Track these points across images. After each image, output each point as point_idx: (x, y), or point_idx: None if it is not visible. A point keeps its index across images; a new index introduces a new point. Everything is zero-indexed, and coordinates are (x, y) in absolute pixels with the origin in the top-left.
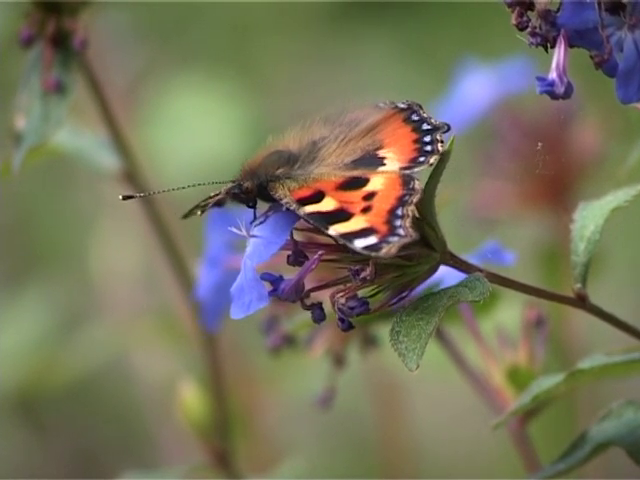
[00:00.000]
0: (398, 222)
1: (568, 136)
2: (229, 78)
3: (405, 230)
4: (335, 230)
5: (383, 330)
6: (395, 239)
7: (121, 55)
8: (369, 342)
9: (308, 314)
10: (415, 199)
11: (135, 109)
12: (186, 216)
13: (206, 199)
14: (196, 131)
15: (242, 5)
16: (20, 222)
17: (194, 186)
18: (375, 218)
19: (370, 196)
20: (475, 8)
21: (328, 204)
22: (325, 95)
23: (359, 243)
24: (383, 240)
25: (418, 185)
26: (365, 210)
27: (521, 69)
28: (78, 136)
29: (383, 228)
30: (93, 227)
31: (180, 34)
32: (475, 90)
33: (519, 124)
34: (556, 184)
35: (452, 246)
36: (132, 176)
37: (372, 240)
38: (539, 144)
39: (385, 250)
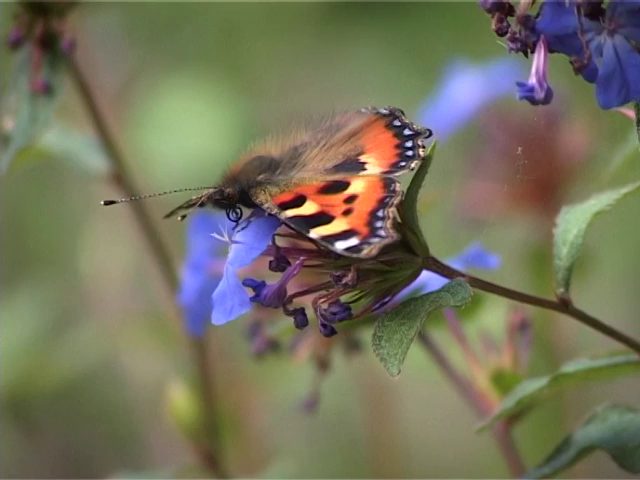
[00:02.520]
0: (379, 223)
1: (556, 138)
2: (219, 80)
3: (386, 231)
4: (316, 233)
5: (367, 334)
6: (376, 240)
7: (111, 57)
8: (353, 347)
9: (291, 320)
10: (396, 201)
11: (125, 111)
12: (168, 216)
13: (188, 202)
14: (186, 132)
15: (232, 7)
16: (10, 224)
17: (180, 191)
18: (356, 220)
19: (351, 199)
20: (464, 9)
21: (309, 208)
22: (315, 96)
23: (340, 245)
24: (364, 241)
25: (399, 187)
26: (346, 213)
27: (509, 71)
28: (67, 138)
29: (364, 230)
30: (83, 229)
31: (170, 36)
32: (464, 92)
33: (507, 126)
34: (544, 186)
35: (440, 248)
36: (120, 178)
37: (353, 242)
38: (519, 148)
39: (366, 251)
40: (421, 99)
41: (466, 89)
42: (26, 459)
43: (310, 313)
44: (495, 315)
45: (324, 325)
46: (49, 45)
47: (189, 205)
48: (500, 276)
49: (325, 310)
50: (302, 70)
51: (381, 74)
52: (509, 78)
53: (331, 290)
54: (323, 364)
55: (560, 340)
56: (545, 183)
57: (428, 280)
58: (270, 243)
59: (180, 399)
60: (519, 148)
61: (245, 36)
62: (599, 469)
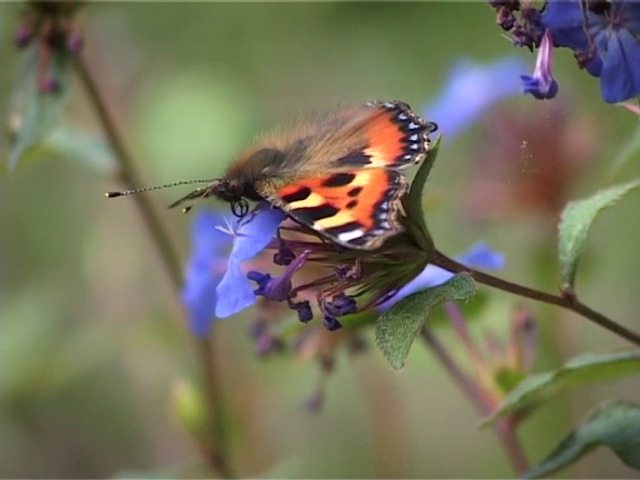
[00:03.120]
0: (383, 216)
1: (561, 137)
2: (225, 79)
3: (390, 223)
4: (320, 225)
5: (372, 334)
6: (380, 232)
7: (118, 56)
8: (358, 346)
9: (296, 318)
10: (400, 193)
11: (132, 110)
12: (172, 206)
13: (192, 193)
14: (192, 132)
15: (237, 6)
16: (16, 224)
17: (184, 183)
18: (360, 212)
19: (355, 191)
20: (469, 9)
21: (314, 200)
22: (320, 96)
23: (344, 237)
24: (368, 233)
25: (403, 180)
26: (350, 205)
27: (514, 70)
28: (73, 136)
29: (368, 222)
30: (89, 229)
31: (176, 36)
32: (469, 91)
33: (512, 125)
34: (549, 185)
35: (445, 248)
36: (127, 176)
37: (357, 234)
38: (524, 142)
39: (370, 243)
40: (426, 99)
41: (471, 89)
42: (31, 459)
43: (315, 310)
44: (500, 315)
45: (328, 318)
46: (56, 44)
47: (194, 196)
48: (504, 276)
49: (329, 303)
50: (307, 70)
51: (386, 74)
52: (514, 78)
53: (335, 283)
54: (328, 363)
55: (564, 340)
56: (550, 182)
57: (434, 279)
58: (275, 236)
59: (185, 398)
60: (523, 142)
61: (250, 36)
62: (603, 465)
